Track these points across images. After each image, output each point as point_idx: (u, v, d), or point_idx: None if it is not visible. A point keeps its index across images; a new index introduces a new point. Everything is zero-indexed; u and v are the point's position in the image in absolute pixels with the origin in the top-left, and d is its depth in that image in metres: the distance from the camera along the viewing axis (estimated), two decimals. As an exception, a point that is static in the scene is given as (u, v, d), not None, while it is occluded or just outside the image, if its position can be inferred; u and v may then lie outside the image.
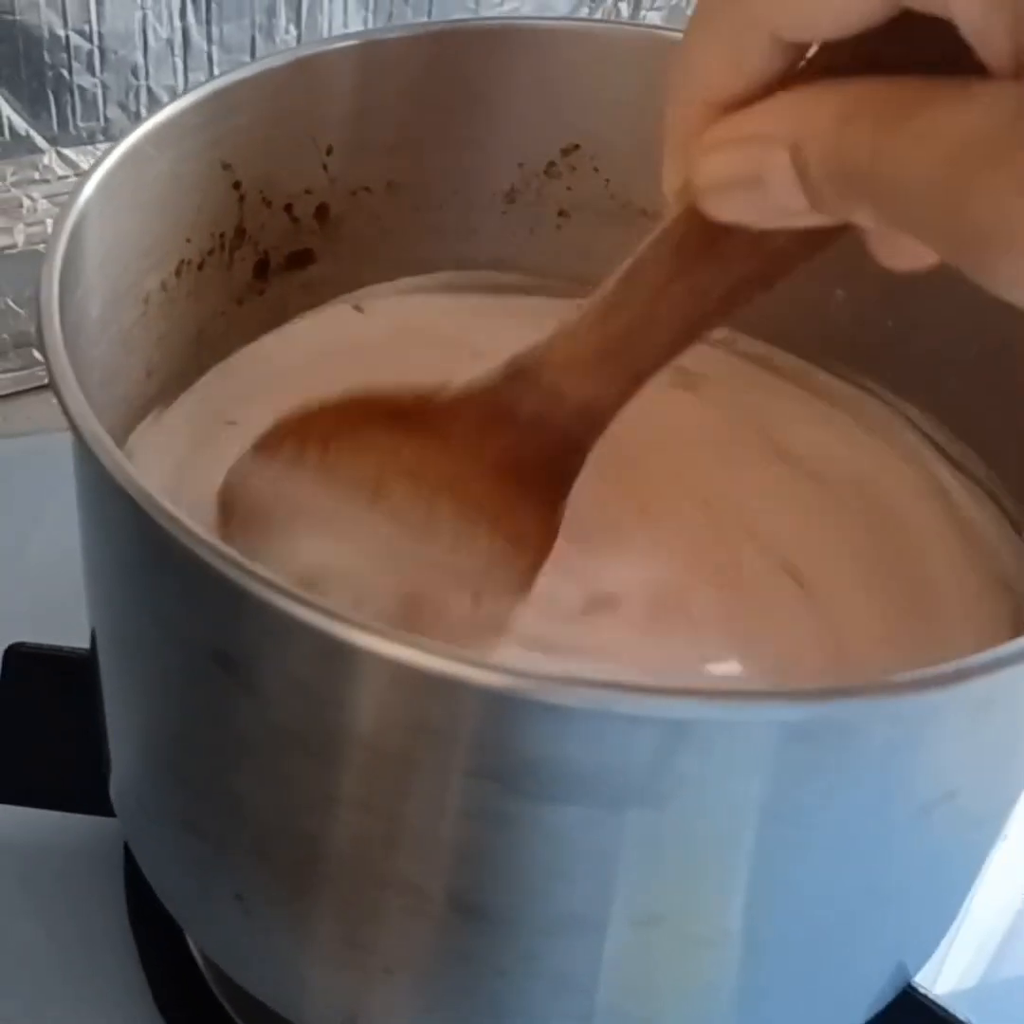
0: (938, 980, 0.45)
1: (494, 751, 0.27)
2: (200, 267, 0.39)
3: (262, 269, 0.42)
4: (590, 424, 0.34)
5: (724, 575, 0.38)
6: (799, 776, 0.27)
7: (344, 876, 0.31)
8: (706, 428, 0.43)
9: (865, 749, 0.27)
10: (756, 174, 0.26)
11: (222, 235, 0.40)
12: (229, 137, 0.38)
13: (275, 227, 0.41)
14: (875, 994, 0.36)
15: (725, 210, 0.27)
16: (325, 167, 0.41)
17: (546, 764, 0.27)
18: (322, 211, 0.42)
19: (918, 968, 0.38)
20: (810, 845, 0.29)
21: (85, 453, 0.28)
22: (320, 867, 0.31)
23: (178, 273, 0.39)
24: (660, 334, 0.32)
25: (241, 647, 0.28)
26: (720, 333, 0.45)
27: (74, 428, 0.29)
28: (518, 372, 0.34)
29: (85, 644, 0.37)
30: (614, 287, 0.32)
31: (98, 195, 0.33)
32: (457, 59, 0.41)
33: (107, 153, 0.34)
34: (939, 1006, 0.40)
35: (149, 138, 0.35)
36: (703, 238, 0.30)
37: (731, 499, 0.40)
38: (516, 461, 0.35)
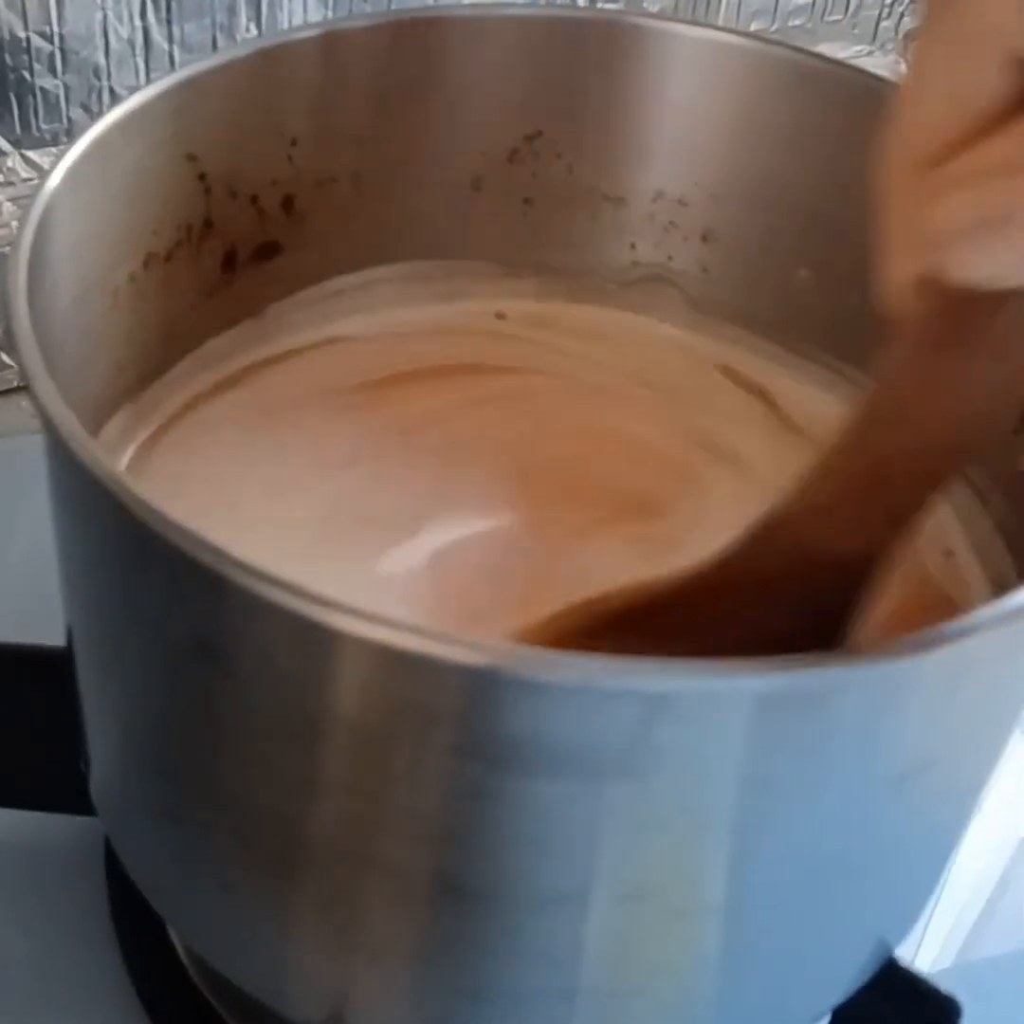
0: (914, 961, 0.45)
1: (476, 729, 0.27)
2: (168, 260, 0.39)
3: (230, 261, 0.42)
4: (848, 581, 0.29)
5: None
6: (779, 746, 0.28)
7: (328, 861, 0.31)
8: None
9: (842, 718, 0.28)
10: (1005, 211, 0.22)
11: (189, 227, 0.40)
12: (194, 128, 0.38)
13: (242, 219, 0.41)
14: (857, 968, 0.36)
15: (974, 265, 0.23)
16: (290, 158, 0.41)
17: (528, 740, 0.27)
18: (288, 202, 0.42)
19: (899, 942, 0.38)
20: (791, 816, 0.30)
21: (58, 444, 0.28)
22: (304, 853, 0.31)
23: (146, 266, 0.39)
24: (919, 458, 0.27)
25: (222, 635, 0.28)
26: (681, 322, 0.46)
27: (46, 419, 0.29)
28: (760, 535, 0.29)
29: (62, 642, 0.37)
30: (856, 415, 0.27)
31: (65, 186, 0.33)
32: (420, 48, 0.41)
33: (72, 145, 0.34)
34: (923, 980, 0.41)
35: (114, 129, 0.35)
36: (955, 326, 0.25)
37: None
38: (769, 636, 0.28)
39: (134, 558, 0.29)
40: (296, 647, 0.27)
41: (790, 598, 0.30)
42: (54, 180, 0.33)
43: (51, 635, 0.39)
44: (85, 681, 0.35)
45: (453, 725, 0.27)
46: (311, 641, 0.27)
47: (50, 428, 0.29)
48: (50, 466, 0.31)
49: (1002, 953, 0.47)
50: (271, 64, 0.39)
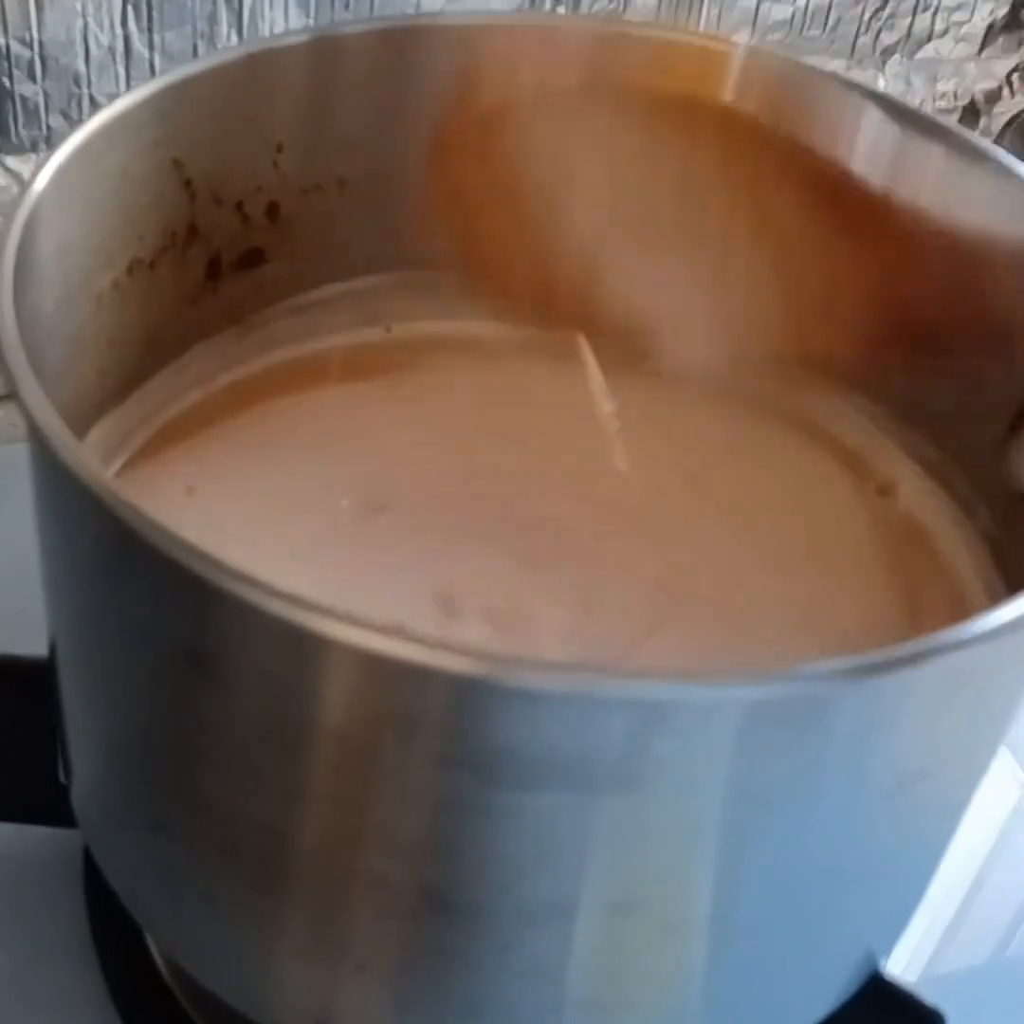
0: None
1: (466, 739, 0.27)
2: (152, 266, 0.39)
3: (214, 269, 0.41)
4: None
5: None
6: (773, 757, 0.28)
7: (316, 873, 0.30)
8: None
9: (836, 728, 0.28)
10: None
11: (174, 234, 0.39)
12: (179, 133, 0.38)
13: (226, 226, 0.41)
14: (844, 980, 0.36)
15: None
16: (276, 164, 0.41)
17: (520, 751, 0.27)
18: (273, 209, 0.42)
19: (886, 954, 0.38)
20: (783, 828, 0.29)
21: (45, 450, 0.28)
22: (291, 865, 0.31)
23: (131, 272, 0.38)
24: None
25: (209, 641, 0.28)
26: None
27: (33, 425, 0.28)
28: None
29: (38, 652, 0.36)
30: None
31: (50, 191, 0.33)
32: (407, 55, 0.41)
33: (57, 148, 0.34)
34: (906, 992, 0.40)
35: (100, 133, 0.35)
36: None
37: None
38: None
39: (121, 564, 0.29)
40: (284, 653, 0.27)
41: None
42: (40, 183, 0.33)
43: (27, 646, 0.39)
44: (68, 691, 0.35)
45: (443, 735, 0.27)
46: (299, 647, 0.26)
47: (37, 434, 0.28)
48: (35, 473, 0.31)
49: (967, 967, 0.47)
50: (258, 69, 0.39)
